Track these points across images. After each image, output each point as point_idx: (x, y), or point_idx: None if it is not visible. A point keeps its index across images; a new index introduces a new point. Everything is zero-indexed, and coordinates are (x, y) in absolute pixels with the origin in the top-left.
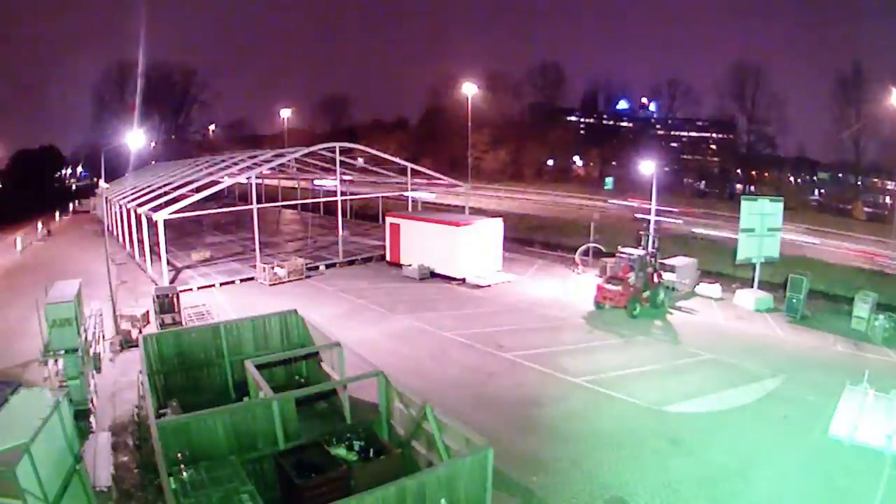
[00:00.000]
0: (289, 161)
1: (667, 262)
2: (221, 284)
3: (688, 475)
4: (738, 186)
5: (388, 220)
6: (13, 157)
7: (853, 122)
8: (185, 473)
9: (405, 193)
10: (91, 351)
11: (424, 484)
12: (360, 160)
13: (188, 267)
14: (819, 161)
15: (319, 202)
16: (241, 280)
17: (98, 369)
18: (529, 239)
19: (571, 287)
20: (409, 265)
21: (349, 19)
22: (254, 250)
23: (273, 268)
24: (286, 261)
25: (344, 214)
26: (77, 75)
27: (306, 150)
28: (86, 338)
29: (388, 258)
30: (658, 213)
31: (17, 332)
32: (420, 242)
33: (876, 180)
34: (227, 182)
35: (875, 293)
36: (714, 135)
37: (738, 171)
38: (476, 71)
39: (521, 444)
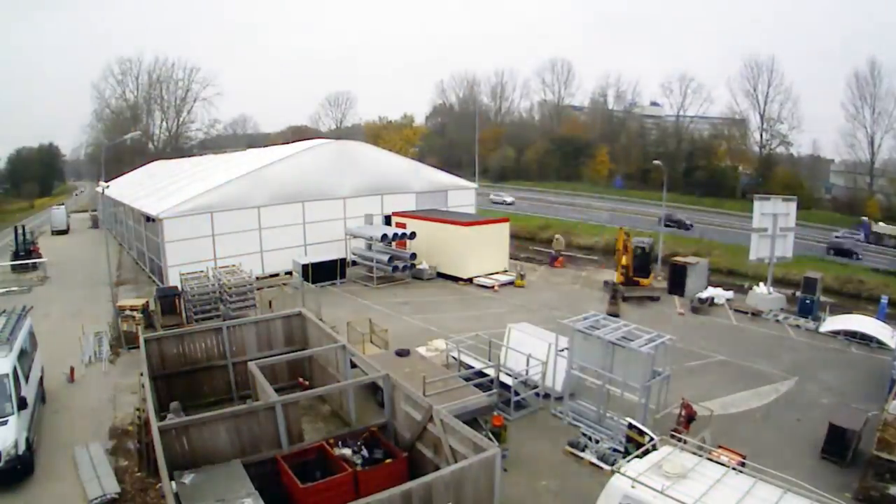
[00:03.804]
0: None
1: (678, 260)
2: None
3: None
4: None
5: (394, 219)
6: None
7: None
8: (186, 477)
9: None
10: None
11: (431, 487)
12: None
13: None
14: (833, 159)
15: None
16: None
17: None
18: (538, 238)
19: (579, 287)
20: (418, 265)
21: (354, 15)
22: None
23: None
24: None
25: None
26: (78, 72)
27: (310, 146)
28: None
29: None
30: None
31: None
32: (426, 242)
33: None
34: None
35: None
36: (726, 132)
37: (751, 168)
38: (483, 68)
39: (530, 448)
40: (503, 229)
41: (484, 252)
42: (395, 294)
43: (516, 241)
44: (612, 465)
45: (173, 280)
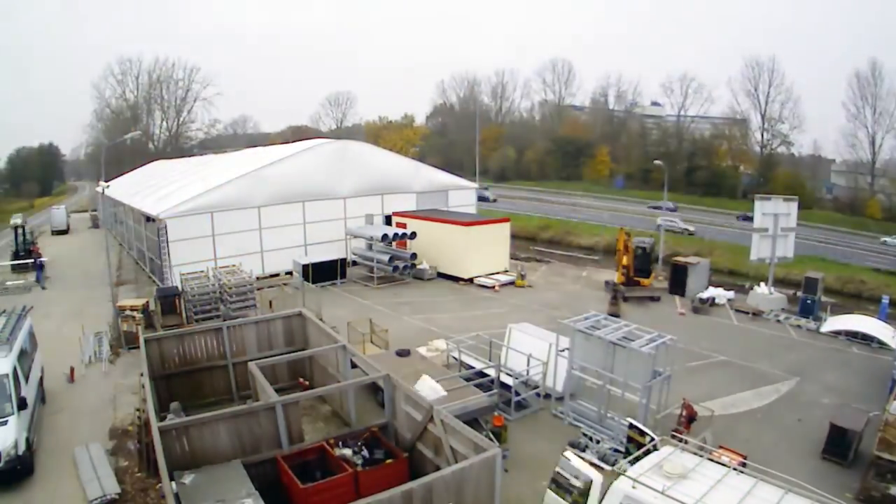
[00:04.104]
0: None
1: (679, 261)
2: None
3: None
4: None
5: (395, 219)
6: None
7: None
8: (187, 477)
9: None
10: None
11: (431, 488)
12: None
13: None
14: (834, 159)
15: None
16: None
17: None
18: (538, 238)
19: (580, 287)
20: (419, 265)
21: (354, 15)
22: None
23: None
24: None
25: None
26: (78, 72)
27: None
28: None
29: None
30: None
31: None
32: (427, 242)
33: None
34: None
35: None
36: (727, 132)
37: (752, 168)
38: (484, 68)
39: (531, 448)
40: (503, 229)
41: (484, 252)
42: (396, 294)
43: (517, 241)
44: (613, 465)
45: (173, 280)
